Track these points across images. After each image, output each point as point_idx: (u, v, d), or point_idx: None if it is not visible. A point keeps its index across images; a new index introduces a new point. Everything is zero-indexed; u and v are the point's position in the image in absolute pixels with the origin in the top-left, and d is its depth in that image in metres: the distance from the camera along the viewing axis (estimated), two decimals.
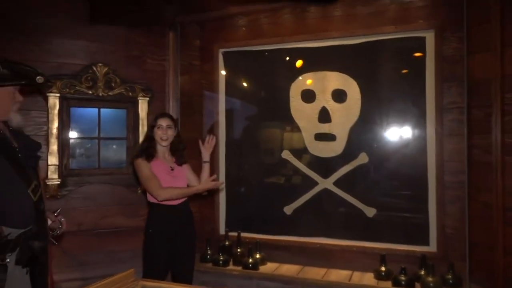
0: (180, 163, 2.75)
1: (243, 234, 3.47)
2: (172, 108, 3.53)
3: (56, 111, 3.15)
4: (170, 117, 2.80)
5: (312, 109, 3.37)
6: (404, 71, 3.16)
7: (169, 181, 2.66)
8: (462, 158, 2.95)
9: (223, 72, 3.66)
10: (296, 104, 3.43)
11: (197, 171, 2.86)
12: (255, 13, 3.52)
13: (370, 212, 3.20)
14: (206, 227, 3.66)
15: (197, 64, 3.72)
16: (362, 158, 3.23)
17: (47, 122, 3.14)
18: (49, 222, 2.23)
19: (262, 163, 3.57)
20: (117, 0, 3.29)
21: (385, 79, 3.20)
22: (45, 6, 3.17)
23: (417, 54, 3.11)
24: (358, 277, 3.09)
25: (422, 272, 2.93)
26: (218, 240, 3.51)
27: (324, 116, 3.33)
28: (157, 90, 3.51)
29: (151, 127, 2.76)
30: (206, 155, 2.81)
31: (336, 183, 3.29)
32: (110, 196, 3.35)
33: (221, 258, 3.33)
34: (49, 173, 3.13)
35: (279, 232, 3.45)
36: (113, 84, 3.34)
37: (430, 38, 3.06)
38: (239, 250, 3.38)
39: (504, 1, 2.70)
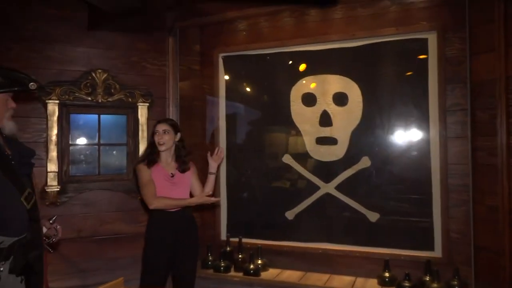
0: (181, 170, 2.71)
1: (245, 240, 3.43)
2: (172, 113, 3.51)
3: (55, 118, 3.15)
4: (169, 122, 2.77)
5: (313, 112, 3.33)
6: (406, 73, 3.11)
7: (168, 188, 2.63)
8: (466, 160, 2.89)
9: (224, 77, 3.63)
10: (296, 108, 3.39)
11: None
12: (254, 17, 3.49)
13: (373, 216, 3.14)
14: (207, 233, 3.62)
15: (197, 69, 3.70)
16: (364, 162, 3.17)
17: (46, 129, 3.14)
18: (45, 229, 2.22)
19: (263, 168, 3.54)
20: (116, 6, 3.28)
21: (386, 81, 3.15)
22: (45, 13, 3.18)
23: (419, 56, 3.05)
24: (361, 283, 3.04)
25: (427, 278, 2.86)
26: (219, 246, 3.47)
27: (325, 119, 3.29)
28: (157, 95, 3.50)
29: (152, 133, 2.76)
30: (213, 167, 2.78)
31: (338, 188, 3.24)
32: (110, 203, 3.33)
33: (222, 264, 3.29)
34: (48, 180, 3.12)
35: (281, 237, 3.40)
36: (112, 90, 3.33)
37: (432, 39, 3.01)
38: (240, 256, 3.34)
39: (507, 0, 2.64)
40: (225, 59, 3.63)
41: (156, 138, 2.66)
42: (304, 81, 3.37)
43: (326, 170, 3.29)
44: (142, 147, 3.32)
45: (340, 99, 3.25)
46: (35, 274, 2.00)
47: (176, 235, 2.64)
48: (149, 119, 3.42)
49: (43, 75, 3.12)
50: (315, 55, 3.33)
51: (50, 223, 2.26)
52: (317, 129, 3.32)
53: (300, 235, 3.35)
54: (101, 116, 3.43)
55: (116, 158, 3.51)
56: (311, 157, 3.35)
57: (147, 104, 3.44)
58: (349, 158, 3.22)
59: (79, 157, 3.42)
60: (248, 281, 3.14)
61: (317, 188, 3.31)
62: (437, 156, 2.97)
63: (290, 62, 3.42)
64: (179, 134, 2.76)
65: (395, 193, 3.11)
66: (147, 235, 2.67)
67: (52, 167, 3.14)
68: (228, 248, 3.40)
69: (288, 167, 3.42)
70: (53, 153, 3.14)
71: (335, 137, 3.26)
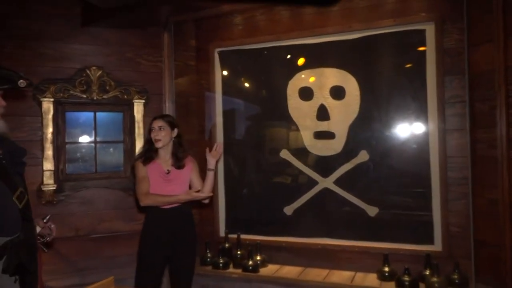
0: (177, 166, 2.68)
1: (243, 236, 3.40)
2: (169, 109, 3.48)
3: (50, 116, 3.12)
4: (165, 118, 2.73)
5: (310, 107, 3.29)
6: (404, 65, 3.07)
7: (163, 184, 2.61)
8: (465, 153, 2.86)
9: (220, 72, 3.60)
10: (293, 102, 3.35)
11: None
12: (250, 11, 3.45)
13: (372, 211, 3.11)
14: (206, 229, 3.60)
15: (193, 64, 3.67)
16: (363, 156, 3.14)
17: (42, 127, 3.11)
18: (39, 229, 2.20)
19: (261, 163, 3.51)
20: (110, 1, 3.25)
21: (384, 74, 3.11)
22: (38, 10, 3.15)
23: (417, 48, 3.01)
24: (360, 278, 3.01)
25: (427, 272, 2.83)
26: (218, 243, 3.46)
27: (323, 113, 3.25)
28: (153, 92, 3.47)
29: (148, 129, 2.74)
30: (211, 163, 2.70)
31: (337, 182, 3.21)
32: (107, 201, 3.32)
33: (221, 261, 3.27)
34: (44, 178, 3.11)
35: (280, 233, 3.38)
36: (107, 87, 3.30)
37: (430, 30, 2.97)
38: (239, 252, 3.32)
39: None
40: (221, 54, 3.59)
41: (152, 135, 2.64)
42: (300, 75, 3.34)
43: (324, 165, 3.26)
44: (139, 144, 3.30)
45: (338, 92, 3.21)
46: (29, 273, 1.98)
47: (172, 232, 2.61)
48: (145, 116, 3.39)
49: (37, 73, 3.10)
50: (311, 48, 3.29)
51: (44, 222, 2.24)
52: (314, 123, 3.28)
53: (299, 230, 3.33)
54: (97, 113, 3.40)
55: (113, 156, 3.49)
56: (309, 152, 3.32)
57: (143, 101, 3.41)
58: (347, 152, 3.19)
59: (75, 155, 3.40)
60: (247, 278, 3.12)
61: (316, 183, 3.28)
62: (436, 149, 2.94)
63: (287, 55, 3.37)
64: (176, 130, 2.72)
65: (394, 187, 3.08)
66: (142, 233, 2.66)
67: (48, 165, 3.12)
68: (226, 245, 3.38)
69: (286, 162, 3.39)
70: (49, 151, 3.12)
71: (332, 131, 3.23)
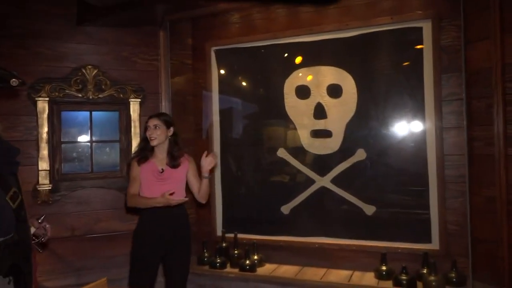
0: (171, 166, 2.66)
1: (240, 235, 3.39)
2: (165, 108, 3.47)
3: (45, 116, 3.11)
4: (160, 116, 2.71)
5: (307, 105, 3.28)
6: (401, 63, 3.05)
7: (156, 184, 2.61)
8: (463, 151, 2.85)
9: (217, 71, 3.58)
10: (290, 101, 3.34)
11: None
12: (247, 9, 3.43)
13: (370, 209, 3.10)
14: (203, 229, 3.59)
15: (189, 63, 3.65)
16: (360, 155, 3.13)
17: (37, 127, 3.10)
18: (34, 229, 2.18)
19: (258, 162, 3.49)
20: (106, 0, 3.23)
21: (381, 72, 3.09)
22: (33, 9, 3.13)
23: (414, 45, 2.99)
24: (358, 277, 3.00)
25: (424, 271, 2.82)
26: (215, 242, 3.44)
27: (320, 112, 3.24)
28: (149, 90, 3.45)
29: (144, 128, 2.73)
30: (205, 170, 2.64)
31: (334, 181, 3.20)
32: (103, 200, 3.30)
33: (218, 260, 3.26)
34: (40, 178, 3.09)
35: (277, 232, 3.37)
36: (103, 86, 3.29)
37: (427, 28, 2.95)
38: (236, 251, 3.31)
39: None
40: (217, 52, 3.57)
41: (148, 133, 2.63)
42: (297, 73, 3.32)
43: (321, 164, 3.25)
44: (135, 143, 3.29)
45: (334, 91, 3.20)
46: (23, 274, 1.96)
47: (165, 232, 2.59)
48: (141, 115, 3.38)
49: (32, 72, 3.09)
50: (308, 46, 3.27)
51: (39, 222, 2.22)
52: (311, 122, 3.27)
53: (296, 229, 3.31)
54: (93, 112, 3.39)
55: (109, 155, 3.48)
56: (306, 151, 3.30)
57: (139, 100, 3.40)
58: (344, 151, 3.17)
59: (71, 154, 3.38)
60: (244, 277, 3.11)
61: (313, 182, 3.27)
62: (433, 147, 2.92)
63: (283, 54, 3.35)
64: (172, 129, 2.70)
65: (391, 186, 3.07)
66: (135, 232, 2.65)
67: (44, 165, 3.10)
68: (223, 244, 3.37)
69: (283, 161, 3.37)
70: (44, 151, 3.11)
71: (329, 129, 3.21)
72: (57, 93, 3.14)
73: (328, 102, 3.22)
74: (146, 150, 2.67)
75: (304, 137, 3.30)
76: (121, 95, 3.34)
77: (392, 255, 2.97)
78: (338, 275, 3.05)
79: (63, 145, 3.28)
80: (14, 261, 1.89)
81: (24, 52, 3.10)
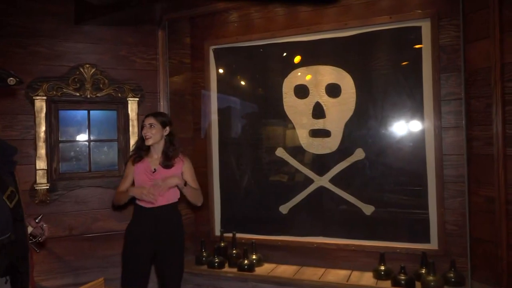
0: (164, 165, 2.65)
1: (239, 235, 3.38)
2: (163, 107, 3.46)
3: (43, 115, 3.09)
4: (156, 116, 2.70)
5: (306, 104, 3.27)
6: (400, 62, 3.04)
7: (148, 183, 2.62)
8: (461, 151, 2.84)
9: (215, 70, 3.57)
10: (289, 100, 3.33)
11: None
12: (245, 8, 3.42)
13: (368, 209, 3.10)
14: (201, 229, 3.59)
15: (187, 62, 3.64)
16: (358, 154, 3.12)
17: (34, 126, 3.08)
18: (31, 228, 2.17)
19: (256, 162, 3.48)
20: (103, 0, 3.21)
21: (380, 71, 3.08)
22: (30, 7, 3.11)
23: (413, 45, 2.99)
24: (356, 277, 3.00)
25: (423, 271, 2.82)
26: (213, 242, 3.43)
27: (318, 111, 3.23)
28: (147, 90, 3.44)
29: (141, 126, 2.74)
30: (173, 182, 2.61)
31: (332, 181, 3.19)
32: (101, 200, 3.29)
33: (216, 260, 3.25)
34: (37, 177, 3.08)
35: (275, 232, 3.36)
36: (101, 85, 3.27)
37: (426, 27, 2.94)
38: (234, 251, 3.30)
39: None
40: (216, 51, 3.56)
41: (143, 132, 2.63)
42: (296, 73, 3.31)
43: (320, 163, 3.24)
44: (133, 142, 3.27)
45: (333, 90, 3.19)
46: (20, 274, 1.95)
47: (156, 231, 2.59)
48: (139, 114, 3.37)
49: (30, 71, 3.07)
50: (307, 45, 3.27)
51: (36, 222, 2.22)
52: (310, 121, 3.26)
53: (294, 229, 3.31)
54: (91, 112, 3.37)
55: (107, 155, 3.46)
56: (304, 150, 3.29)
57: (137, 99, 3.39)
58: (343, 151, 3.16)
59: (69, 154, 3.37)
60: (242, 277, 3.09)
61: (311, 181, 3.26)
62: (432, 146, 2.92)
63: (282, 53, 3.34)
64: (168, 129, 2.70)
65: (390, 185, 3.06)
66: (126, 232, 2.67)
67: (41, 164, 3.09)
68: (222, 244, 3.36)
69: (281, 161, 3.37)
70: (42, 150, 3.09)
71: (328, 129, 3.21)
72: (54, 92, 3.13)
73: (326, 101, 3.21)
74: (141, 149, 2.68)
75: (303, 137, 3.29)
76: (119, 94, 3.33)
77: (390, 255, 2.97)
78: (337, 275, 3.05)
79: (61, 144, 3.27)
80: (11, 261, 1.88)
81: (21, 51, 3.08)
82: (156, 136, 2.62)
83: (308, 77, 3.27)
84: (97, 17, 3.19)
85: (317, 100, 3.24)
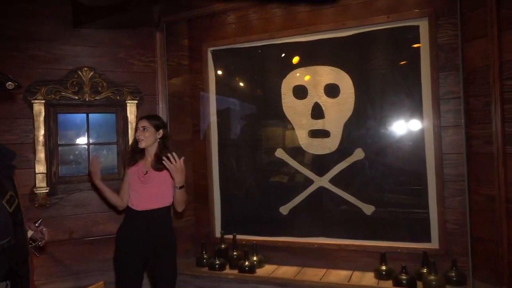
0: (155, 168, 2.63)
1: (239, 237, 3.38)
2: (162, 110, 3.45)
3: (41, 118, 3.09)
4: (150, 119, 2.69)
5: (305, 105, 3.27)
6: (398, 62, 3.05)
7: (139, 185, 2.64)
8: (461, 150, 2.84)
9: (214, 71, 3.57)
10: (288, 101, 3.33)
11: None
12: (243, 9, 3.42)
13: (368, 209, 3.09)
14: (201, 230, 3.58)
15: (185, 64, 3.64)
16: (358, 154, 3.12)
17: (33, 130, 3.08)
18: (31, 233, 2.17)
19: (256, 163, 3.48)
20: (101, 2, 3.21)
21: (378, 71, 3.09)
22: (28, 11, 3.11)
23: (411, 44, 2.99)
24: (358, 277, 2.99)
25: (424, 270, 2.81)
26: (214, 244, 3.43)
27: (317, 112, 3.23)
28: (146, 92, 3.44)
29: (135, 129, 2.77)
30: (176, 181, 2.48)
31: (332, 181, 3.19)
32: (101, 203, 3.26)
33: (217, 262, 3.24)
34: (37, 181, 3.07)
35: (276, 233, 3.36)
36: (99, 88, 3.27)
37: (424, 26, 2.95)
38: (235, 253, 3.29)
39: None
40: (214, 53, 3.56)
41: (136, 135, 2.65)
42: (295, 73, 3.31)
43: (320, 164, 3.24)
44: None
45: (332, 90, 3.19)
46: (20, 278, 1.95)
47: (145, 235, 2.58)
48: (138, 116, 3.34)
49: (28, 75, 3.07)
50: (305, 46, 3.26)
51: (36, 226, 2.21)
52: (309, 122, 3.26)
53: (295, 230, 3.30)
54: (90, 115, 3.37)
55: (106, 158, 3.46)
56: (304, 151, 3.29)
57: (136, 102, 3.38)
58: (343, 151, 3.16)
59: (68, 157, 3.36)
60: (243, 279, 3.09)
61: (311, 182, 3.26)
62: (431, 146, 2.92)
63: (280, 54, 3.34)
64: (161, 132, 2.69)
65: (390, 185, 3.06)
66: (117, 236, 2.67)
67: (40, 168, 3.08)
68: (222, 246, 3.36)
69: (281, 162, 3.36)
70: (41, 154, 3.09)
71: (327, 129, 3.20)
72: (53, 96, 3.12)
73: (325, 102, 3.21)
74: (136, 152, 2.70)
75: (302, 137, 3.29)
76: (118, 97, 3.32)
77: (391, 254, 2.96)
78: (338, 275, 3.04)
79: (60, 148, 3.26)
80: (11, 265, 1.87)
81: (19, 54, 3.08)
82: (149, 139, 2.62)
83: (307, 77, 3.27)
84: (95, 20, 3.19)
85: (316, 101, 3.23)
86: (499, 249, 2.58)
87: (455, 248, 2.86)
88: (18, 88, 1.96)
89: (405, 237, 3.00)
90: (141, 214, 2.59)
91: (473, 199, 2.78)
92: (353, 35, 3.12)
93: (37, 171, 3.08)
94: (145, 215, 2.59)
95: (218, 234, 3.50)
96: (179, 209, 2.68)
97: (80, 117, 3.37)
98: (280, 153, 3.36)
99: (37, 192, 3.07)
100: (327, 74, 3.21)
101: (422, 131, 2.96)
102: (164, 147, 2.66)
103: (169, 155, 2.45)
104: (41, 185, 3.08)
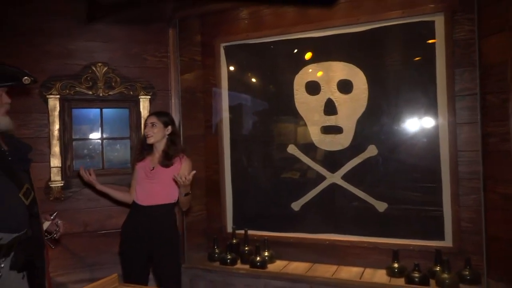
0: (162, 164, 2.66)
1: (251, 232, 3.38)
2: (175, 105, 3.47)
3: (56, 113, 3.13)
4: (159, 115, 2.73)
5: (317, 101, 3.25)
6: (413, 58, 3.01)
7: (145, 180, 2.67)
8: (476, 147, 2.79)
9: (226, 67, 3.57)
10: (300, 97, 3.31)
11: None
12: (256, 5, 3.41)
13: (381, 206, 3.07)
14: (213, 225, 3.60)
15: (198, 59, 3.64)
16: (371, 151, 3.09)
17: (48, 124, 3.12)
18: (46, 225, 2.21)
19: (268, 159, 3.48)
20: None
21: (393, 67, 3.05)
22: (42, 7, 3.14)
23: (426, 40, 2.94)
24: (369, 274, 2.98)
25: (437, 268, 2.79)
26: (226, 238, 3.44)
27: (330, 108, 3.21)
28: (159, 87, 3.45)
29: (143, 125, 2.81)
30: (180, 191, 2.55)
31: (345, 177, 3.17)
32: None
33: (229, 257, 3.25)
34: (52, 175, 3.12)
35: (288, 229, 3.35)
36: (113, 84, 3.30)
37: (439, 21, 2.90)
38: (246, 248, 3.30)
39: None
40: (227, 48, 3.56)
41: (144, 131, 2.68)
42: (307, 69, 3.29)
43: (332, 160, 3.22)
44: None
45: (345, 86, 3.16)
46: (37, 269, 1.99)
47: (148, 230, 2.62)
48: (151, 112, 3.38)
49: (43, 70, 3.10)
50: (318, 42, 3.24)
51: (52, 218, 2.25)
52: (322, 118, 3.24)
53: (306, 226, 3.30)
54: (103, 110, 3.40)
55: (119, 152, 3.49)
56: (316, 147, 3.28)
57: (149, 97, 3.40)
58: (355, 147, 3.14)
59: (82, 151, 3.41)
60: (255, 274, 3.10)
61: (323, 178, 3.24)
62: (446, 143, 2.88)
63: (293, 49, 3.33)
64: (170, 128, 2.71)
65: (403, 182, 3.03)
66: (122, 230, 2.73)
67: (55, 162, 3.13)
68: (234, 241, 3.37)
69: (293, 158, 3.35)
70: (56, 148, 3.13)
71: (340, 125, 3.18)
72: (67, 91, 3.16)
73: (338, 98, 3.19)
74: (144, 148, 2.72)
75: (315, 133, 3.27)
76: (131, 92, 3.35)
77: (404, 252, 2.94)
78: (349, 272, 3.03)
79: (74, 142, 3.31)
80: (27, 257, 1.91)
81: (34, 50, 3.12)
82: (157, 135, 2.65)
83: (320, 73, 3.25)
84: (108, 16, 3.22)
85: (329, 97, 3.21)
86: None
87: (468, 246, 2.82)
88: (34, 83, 1.99)
89: (418, 234, 2.97)
90: (146, 209, 2.62)
91: (489, 197, 2.74)
92: (367, 30, 3.09)
93: (52, 165, 3.12)
94: (150, 211, 2.62)
95: (229, 229, 3.51)
96: (183, 208, 2.78)
97: (94, 112, 3.41)
98: (292, 149, 3.35)
99: (52, 185, 3.12)
100: (340, 70, 3.18)
101: (436, 128, 2.92)
102: (172, 143, 2.68)
103: (183, 176, 2.42)
104: (56, 178, 3.13)
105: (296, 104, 3.32)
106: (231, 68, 3.57)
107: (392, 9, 3.00)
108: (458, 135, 2.85)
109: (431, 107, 2.93)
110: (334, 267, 3.13)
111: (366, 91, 3.10)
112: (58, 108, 3.14)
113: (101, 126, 3.40)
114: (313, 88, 3.27)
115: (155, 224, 2.62)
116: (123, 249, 2.72)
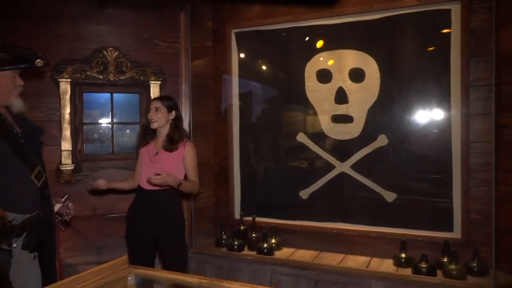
0: (166, 149, 2.66)
1: (259, 219, 3.40)
2: (185, 91, 3.46)
3: (67, 97, 3.14)
4: (163, 100, 2.73)
5: (328, 89, 3.22)
6: (427, 47, 2.96)
7: (149, 165, 2.68)
8: (489, 138, 2.75)
9: (237, 54, 3.54)
10: (311, 85, 3.28)
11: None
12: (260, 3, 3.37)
13: (390, 196, 3.06)
14: (221, 212, 3.62)
15: (209, 45, 3.62)
16: (381, 140, 3.07)
17: (59, 108, 3.14)
18: (57, 207, 2.23)
19: (277, 147, 3.47)
20: None
21: (406, 56, 3.00)
22: None
23: (441, 29, 2.89)
24: (376, 263, 2.98)
25: (445, 259, 2.78)
26: (233, 225, 3.46)
27: (341, 96, 3.18)
28: (169, 73, 3.44)
29: (146, 110, 2.80)
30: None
31: (354, 167, 3.16)
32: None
33: (236, 243, 3.27)
34: (62, 158, 3.15)
35: (295, 217, 3.36)
36: (124, 68, 3.30)
37: (456, 10, 2.84)
38: (254, 235, 3.32)
39: None
40: (238, 35, 3.53)
41: (148, 115, 2.67)
42: (319, 57, 3.26)
43: (342, 149, 3.20)
44: None
45: (357, 75, 3.13)
46: (48, 250, 2.02)
47: (152, 214, 2.64)
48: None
49: (54, 54, 3.10)
50: (330, 29, 3.20)
51: (62, 201, 2.27)
52: (332, 106, 3.22)
53: (314, 214, 3.30)
54: (114, 94, 3.41)
55: (129, 137, 3.51)
56: (326, 136, 3.26)
57: (159, 82, 3.40)
58: (366, 136, 3.12)
59: (93, 136, 3.43)
60: (261, 260, 3.12)
61: (333, 167, 3.23)
62: (458, 134, 2.84)
63: (305, 37, 3.29)
64: (174, 113, 2.71)
65: (413, 173, 3.01)
66: (127, 214, 2.76)
67: (66, 145, 3.15)
68: (241, 227, 3.39)
69: (302, 146, 3.34)
70: (67, 131, 3.15)
71: (351, 114, 3.16)
72: (79, 75, 3.17)
73: (350, 86, 3.16)
74: (147, 133, 2.73)
75: (325, 122, 3.25)
76: (142, 77, 3.34)
77: (412, 242, 2.93)
78: (356, 261, 3.04)
79: (85, 126, 3.33)
80: (39, 238, 1.94)
81: (46, 33, 3.11)
82: (161, 120, 2.65)
83: (331, 61, 3.22)
84: (120, 0, 3.20)
85: (340, 85, 3.18)
86: None
87: (477, 238, 2.81)
88: (47, 65, 2.00)
89: (426, 225, 2.95)
90: (150, 193, 2.64)
91: (500, 189, 2.71)
92: (380, 18, 3.04)
93: (63, 148, 3.15)
94: (154, 195, 2.64)
95: (237, 215, 3.53)
96: (194, 193, 2.85)
97: (104, 96, 3.42)
98: (302, 137, 3.34)
99: (62, 168, 3.15)
100: (352, 58, 3.14)
101: (449, 119, 2.88)
102: (176, 128, 2.69)
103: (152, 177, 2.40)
104: (67, 162, 3.15)
105: (307, 92, 3.30)
106: (242, 55, 3.54)
107: None
108: (471, 126, 2.82)
109: (444, 98, 2.89)
110: (341, 256, 3.14)
111: (378, 80, 3.06)
112: (69, 92, 3.15)
113: (112, 110, 3.41)
114: (324, 76, 3.24)
115: (159, 208, 2.65)
116: (129, 233, 2.76)
